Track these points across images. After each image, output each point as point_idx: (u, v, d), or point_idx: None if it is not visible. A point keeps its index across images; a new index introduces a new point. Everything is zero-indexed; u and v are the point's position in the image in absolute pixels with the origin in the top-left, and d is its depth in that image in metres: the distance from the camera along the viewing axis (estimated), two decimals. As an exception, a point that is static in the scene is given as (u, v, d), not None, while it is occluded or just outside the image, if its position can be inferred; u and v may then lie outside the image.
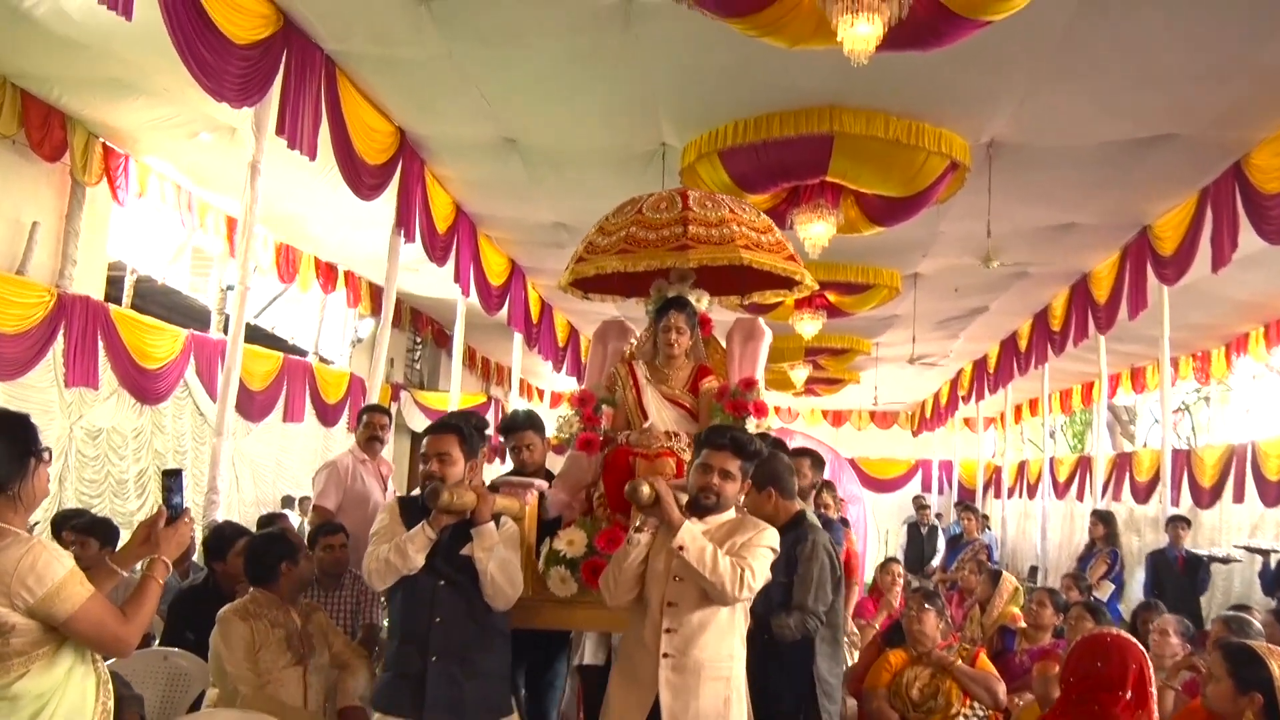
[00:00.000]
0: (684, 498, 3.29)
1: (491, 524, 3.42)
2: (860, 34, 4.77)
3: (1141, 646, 3.34)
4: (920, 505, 13.76)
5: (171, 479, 2.80)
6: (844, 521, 6.88)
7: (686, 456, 3.99)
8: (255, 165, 6.13)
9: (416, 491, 3.59)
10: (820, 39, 5.05)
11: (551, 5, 5.75)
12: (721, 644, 3.19)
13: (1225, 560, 9.75)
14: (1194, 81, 6.26)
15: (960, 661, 4.57)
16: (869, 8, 4.68)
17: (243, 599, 4.00)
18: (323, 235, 10.59)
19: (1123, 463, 14.47)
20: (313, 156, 6.44)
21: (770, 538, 3.26)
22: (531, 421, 4.73)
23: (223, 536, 4.88)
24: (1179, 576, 8.65)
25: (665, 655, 3.15)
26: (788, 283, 4.62)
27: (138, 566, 2.78)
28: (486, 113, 7.26)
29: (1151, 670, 3.27)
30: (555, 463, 4.56)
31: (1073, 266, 10.76)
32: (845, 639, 6.16)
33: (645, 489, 3.12)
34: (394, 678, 3.41)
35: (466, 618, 3.37)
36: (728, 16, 5.10)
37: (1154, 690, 3.25)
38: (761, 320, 4.63)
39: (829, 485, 6.93)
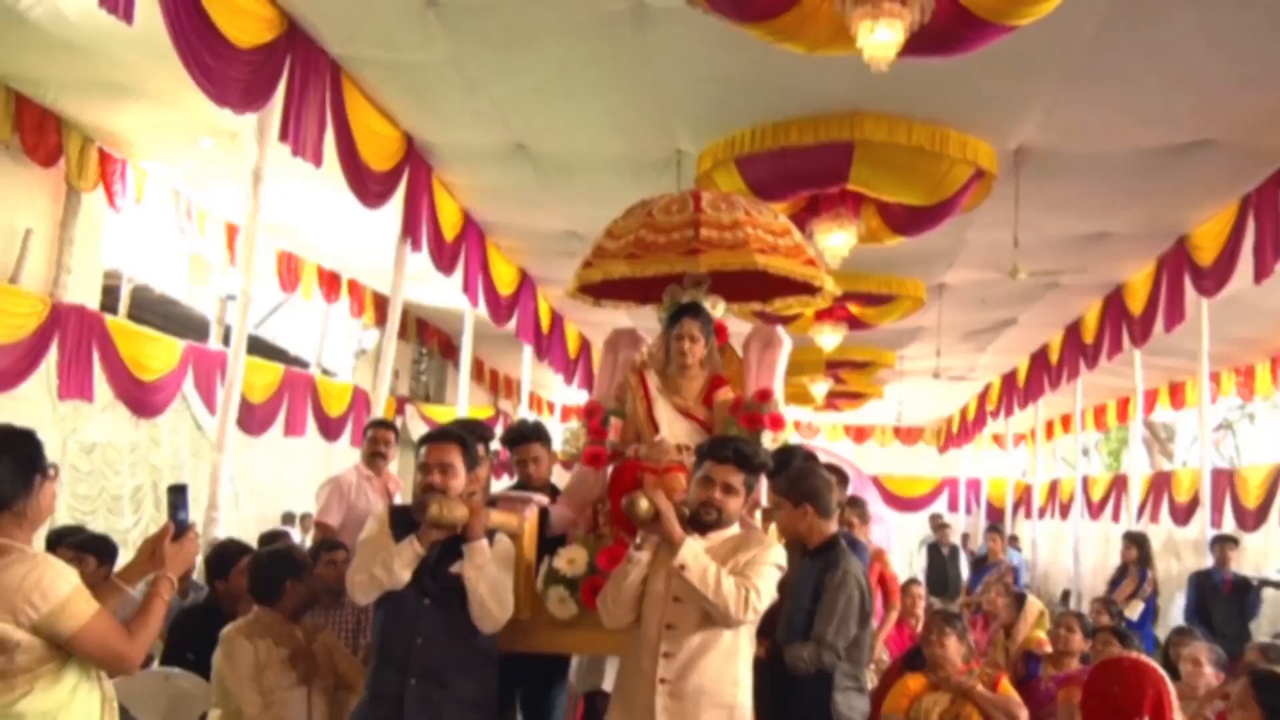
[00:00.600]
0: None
1: (484, 541, 3.27)
2: (880, 41, 4.62)
3: (1162, 671, 3.24)
4: (938, 525, 13.39)
5: (178, 494, 2.84)
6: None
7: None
8: (258, 172, 6.01)
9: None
10: (839, 45, 4.90)
11: (562, 8, 5.64)
12: (724, 669, 3.01)
13: (1279, 584, 9.38)
14: (1230, 86, 6.06)
15: (981, 686, 4.38)
16: (889, 14, 4.52)
17: (246, 618, 3.92)
18: (326, 243, 10.47)
19: (1160, 482, 14.13)
20: (318, 163, 6.34)
21: (776, 555, 3.09)
22: (538, 433, 4.60)
23: (226, 554, 4.81)
24: (1226, 600, 8.18)
25: (662, 681, 2.98)
26: (808, 288, 4.44)
27: (141, 585, 2.78)
28: (495, 118, 7.14)
29: (1174, 696, 3.17)
30: (564, 479, 4.42)
31: (1106, 277, 10.50)
32: (871, 667, 5.94)
33: (644, 503, 2.98)
34: (372, 699, 3.28)
35: (450, 639, 3.22)
36: (742, 22, 4.96)
37: (1175, 717, 3.15)
38: (781, 329, 4.48)
39: (856, 501, 6.64)
